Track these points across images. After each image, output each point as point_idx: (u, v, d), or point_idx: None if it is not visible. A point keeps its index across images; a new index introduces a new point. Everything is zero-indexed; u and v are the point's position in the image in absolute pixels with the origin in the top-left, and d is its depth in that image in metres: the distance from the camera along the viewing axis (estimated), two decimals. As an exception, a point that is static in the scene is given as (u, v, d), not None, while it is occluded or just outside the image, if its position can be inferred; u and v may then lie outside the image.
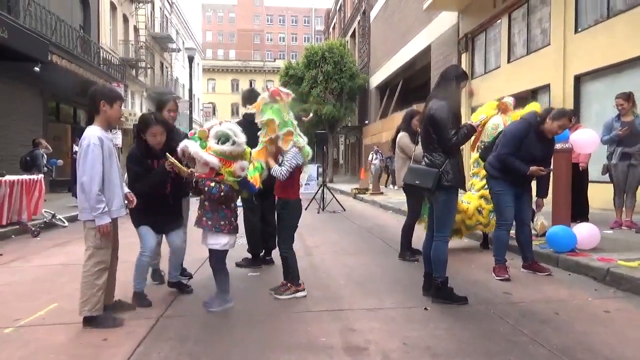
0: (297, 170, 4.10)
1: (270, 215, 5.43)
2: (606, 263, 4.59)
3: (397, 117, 21.41)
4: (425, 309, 3.74)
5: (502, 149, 4.60)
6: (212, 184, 3.52)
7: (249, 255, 5.37)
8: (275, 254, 5.47)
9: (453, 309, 3.73)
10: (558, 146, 5.69)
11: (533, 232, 4.93)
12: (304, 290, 4.18)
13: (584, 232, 5.26)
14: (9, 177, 7.94)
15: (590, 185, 7.34)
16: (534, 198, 5.15)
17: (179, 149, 3.69)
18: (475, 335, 3.18)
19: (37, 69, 13.27)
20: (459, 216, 5.60)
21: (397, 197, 13.94)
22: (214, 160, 3.51)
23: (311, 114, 5.47)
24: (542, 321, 3.44)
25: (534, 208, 4.97)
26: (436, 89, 4.02)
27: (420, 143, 4.22)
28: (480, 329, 3.29)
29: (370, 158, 20.10)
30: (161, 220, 4.05)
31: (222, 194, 3.54)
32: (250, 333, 3.29)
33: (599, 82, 9.93)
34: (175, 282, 4.28)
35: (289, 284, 4.17)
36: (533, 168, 4.45)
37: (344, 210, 11.32)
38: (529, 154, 4.50)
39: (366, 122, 28.98)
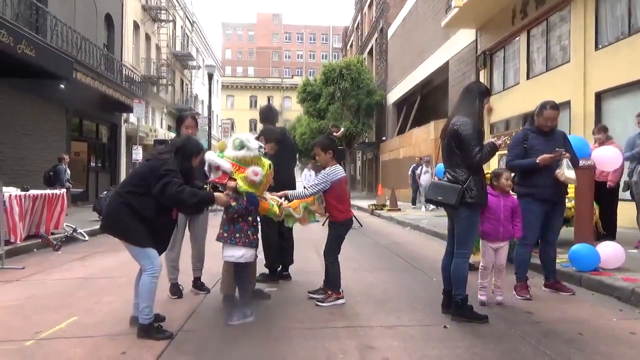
0: (343, 190, 4.36)
1: (286, 229, 5.43)
2: (631, 283, 4.47)
3: (415, 134, 21.46)
4: (445, 327, 3.68)
5: (507, 158, 4.69)
6: (233, 203, 3.64)
7: (266, 271, 5.37)
8: (292, 269, 5.48)
9: (473, 327, 3.66)
10: (580, 163, 5.60)
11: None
12: (343, 298, 4.33)
13: (608, 251, 5.14)
14: (33, 192, 8.11)
15: (618, 203, 7.18)
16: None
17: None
18: (497, 355, 3.12)
19: (62, 86, 13.64)
20: None
21: (414, 214, 13.85)
22: (224, 164, 3.68)
23: (342, 129, 5.45)
24: (565, 342, 3.36)
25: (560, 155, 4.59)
26: (459, 104, 3.99)
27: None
28: (501, 349, 3.22)
29: (416, 171, 16.56)
30: (164, 245, 3.70)
31: (236, 215, 3.70)
32: (268, 348, 3.27)
33: (621, 99, 9.80)
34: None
35: (329, 292, 4.32)
36: (540, 157, 4.35)
37: (362, 226, 11.26)
38: (539, 152, 4.42)
39: (383, 138, 28.98)
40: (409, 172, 17.34)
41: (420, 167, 16.34)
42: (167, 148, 3.71)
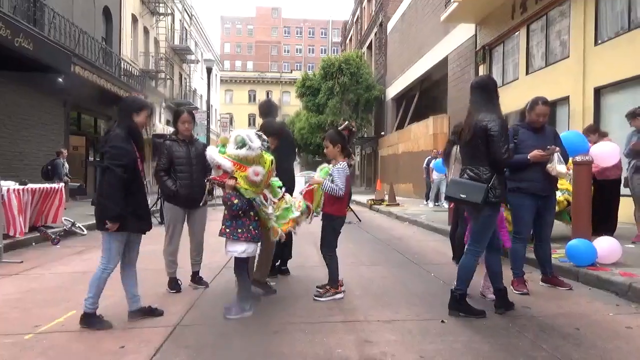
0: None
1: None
2: (628, 278, 4.49)
3: (414, 129, 21.42)
4: (443, 321, 3.69)
5: None
6: (236, 201, 3.67)
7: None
8: (290, 264, 5.49)
9: (471, 322, 3.68)
10: (578, 159, 5.62)
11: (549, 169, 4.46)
12: (341, 292, 4.37)
13: (605, 246, 5.16)
14: (31, 186, 8.10)
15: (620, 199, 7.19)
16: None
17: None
18: (495, 349, 3.13)
19: (60, 79, 13.58)
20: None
21: (413, 208, 13.86)
22: (225, 163, 3.68)
23: (347, 123, 5.37)
24: (562, 336, 3.37)
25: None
26: (479, 102, 3.89)
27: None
28: (499, 343, 3.24)
29: (430, 164, 14.30)
30: (147, 220, 3.75)
31: (240, 212, 3.71)
32: (267, 343, 3.29)
33: (620, 95, 9.79)
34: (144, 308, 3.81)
35: (327, 286, 4.36)
36: (532, 153, 4.35)
37: (360, 221, 11.28)
38: (530, 147, 4.42)
39: (382, 133, 28.97)
40: (424, 166, 15.70)
41: (434, 160, 14.17)
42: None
